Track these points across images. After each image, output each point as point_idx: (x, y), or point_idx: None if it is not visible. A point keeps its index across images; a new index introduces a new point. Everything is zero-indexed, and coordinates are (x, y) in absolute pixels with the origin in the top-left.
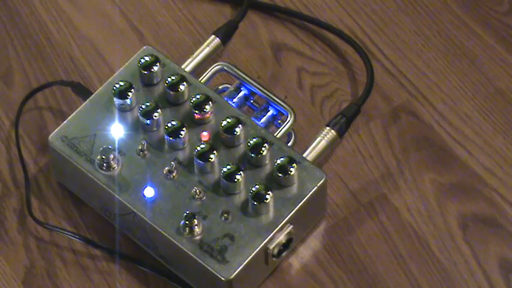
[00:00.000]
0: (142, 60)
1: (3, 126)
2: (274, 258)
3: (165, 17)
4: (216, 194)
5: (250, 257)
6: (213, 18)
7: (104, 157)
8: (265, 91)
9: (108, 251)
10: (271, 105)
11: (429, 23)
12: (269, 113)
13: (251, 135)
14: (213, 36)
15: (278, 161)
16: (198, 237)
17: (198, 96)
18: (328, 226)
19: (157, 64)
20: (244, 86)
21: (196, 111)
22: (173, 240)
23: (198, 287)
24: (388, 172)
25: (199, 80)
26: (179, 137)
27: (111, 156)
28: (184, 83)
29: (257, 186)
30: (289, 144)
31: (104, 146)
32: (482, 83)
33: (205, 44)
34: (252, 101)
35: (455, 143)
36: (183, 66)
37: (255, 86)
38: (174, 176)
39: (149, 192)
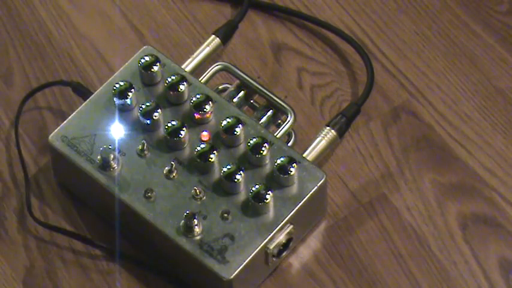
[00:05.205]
0: (143, 60)
1: (3, 126)
2: (274, 258)
3: (165, 17)
4: (216, 194)
5: (250, 257)
6: (213, 18)
7: (104, 157)
8: (265, 91)
9: (108, 251)
10: (271, 105)
11: (429, 23)
12: (269, 113)
13: (251, 135)
14: (213, 36)
15: (278, 161)
16: (198, 237)
17: (198, 96)
18: (328, 226)
19: (158, 64)
20: (244, 86)
21: (197, 111)
22: (173, 240)
23: (198, 287)
24: (388, 172)
25: (199, 80)
26: (179, 137)
27: (111, 156)
28: (185, 83)
29: (257, 186)
30: (289, 144)
31: (104, 146)
32: (482, 83)
33: (205, 44)
34: (252, 101)
35: (455, 143)
36: (183, 66)
37: (255, 86)
38: (174, 176)
39: (149, 192)
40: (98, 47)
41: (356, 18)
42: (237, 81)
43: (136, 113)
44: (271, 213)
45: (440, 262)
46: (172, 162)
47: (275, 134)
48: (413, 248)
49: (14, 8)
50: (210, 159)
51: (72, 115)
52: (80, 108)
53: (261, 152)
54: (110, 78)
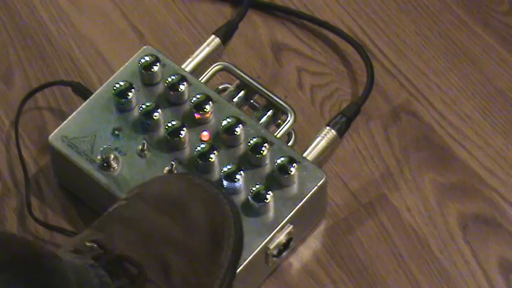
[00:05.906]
0: (143, 60)
1: (3, 126)
2: (274, 258)
3: (165, 17)
4: None
5: (250, 257)
6: (213, 18)
7: (104, 157)
8: (265, 91)
9: None
10: (271, 105)
11: (429, 23)
12: (269, 113)
13: (251, 135)
14: (213, 36)
15: (278, 161)
16: None
17: (198, 96)
18: (328, 226)
19: (158, 64)
20: (244, 86)
21: (197, 111)
22: None
23: None
24: (388, 172)
25: (199, 80)
26: (179, 137)
27: (111, 156)
28: (185, 83)
29: (257, 186)
30: (289, 144)
31: (104, 146)
32: (482, 83)
33: (205, 44)
34: (252, 101)
35: (455, 143)
36: (183, 66)
37: (255, 86)
38: None
39: None
40: (98, 47)
41: (356, 18)
42: (237, 81)
43: (136, 113)
44: (271, 213)
45: (440, 262)
46: (172, 162)
47: (275, 134)
48: (413, 248)
49: (14, 8)
50: (210, 159)
51: (72, 115)
52: (80, 108)
53: (261, 152)
54: (110, 78)
